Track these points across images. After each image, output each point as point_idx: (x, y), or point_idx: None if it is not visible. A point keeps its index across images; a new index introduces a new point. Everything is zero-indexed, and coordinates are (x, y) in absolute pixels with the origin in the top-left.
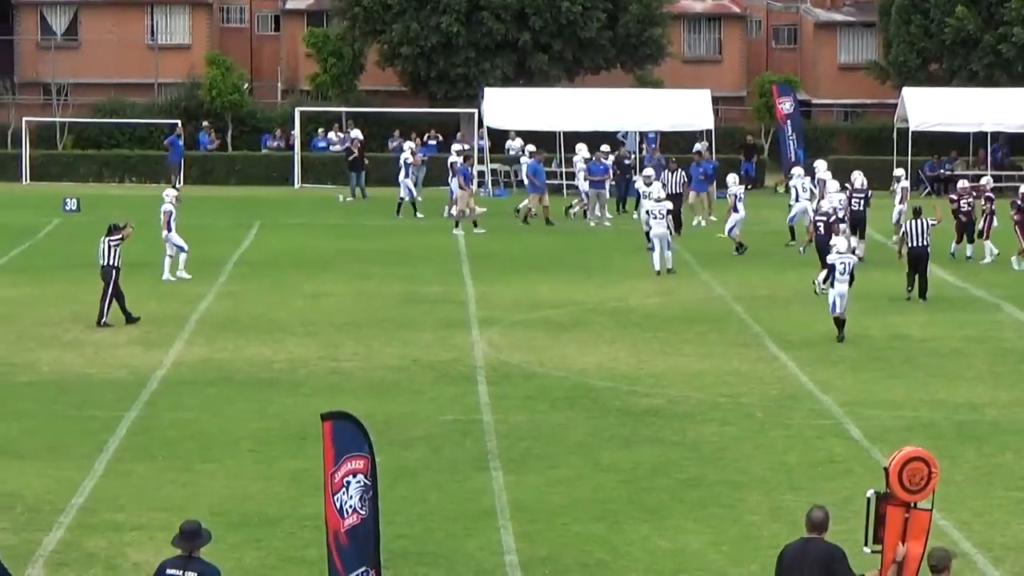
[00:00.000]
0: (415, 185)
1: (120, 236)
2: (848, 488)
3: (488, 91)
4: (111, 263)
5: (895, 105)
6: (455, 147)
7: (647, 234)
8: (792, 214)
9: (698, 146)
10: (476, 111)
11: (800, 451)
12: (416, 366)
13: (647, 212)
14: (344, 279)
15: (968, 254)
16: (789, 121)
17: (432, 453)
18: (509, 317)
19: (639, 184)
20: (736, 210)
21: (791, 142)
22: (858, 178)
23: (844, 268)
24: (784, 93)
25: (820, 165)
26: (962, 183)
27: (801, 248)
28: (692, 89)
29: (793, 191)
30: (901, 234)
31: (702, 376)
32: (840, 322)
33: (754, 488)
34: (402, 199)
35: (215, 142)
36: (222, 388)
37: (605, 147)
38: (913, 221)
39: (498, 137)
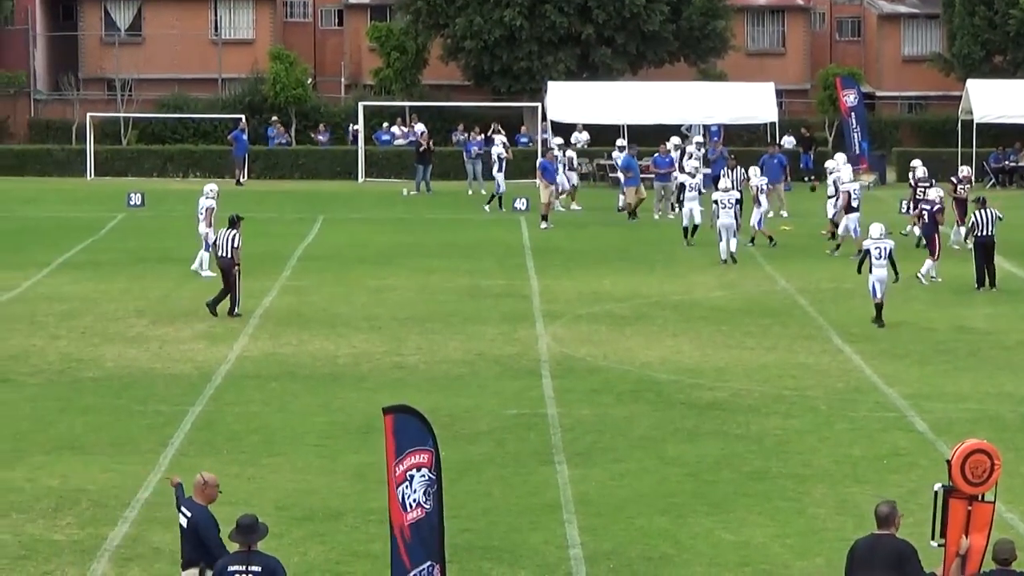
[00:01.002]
0: (474, 179)
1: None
2: (914, 481)
3: (551, 85)
4: (231, 255)
5: (959, 97)
6: (556, 140)
7: (686, 229)
8: (832, 212)
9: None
10: (540, 105)
11: (865, 444)
12: (480, 360)
13: (714, 203)
14: (407, 273)
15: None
16: (853, 114)
17: (496, 447)
18: (573, 311)
19: (683, 178)
20: (759, 203)
21: (855, 135)
22: (919, 168)
23: (880, 253)
24: (848, 86)
25: (839, 158)
26: (965, 170)
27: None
28: (756, 82)
29: (831, 186)
30: (970, 224)
31: (766, 369)
32: (879, 307)
33: (819, 481)
34: (496, 194)
35: (285, 136)
36: (286, 382)
37: (675, 139)
38: (980, 211)
39: (561, 131)
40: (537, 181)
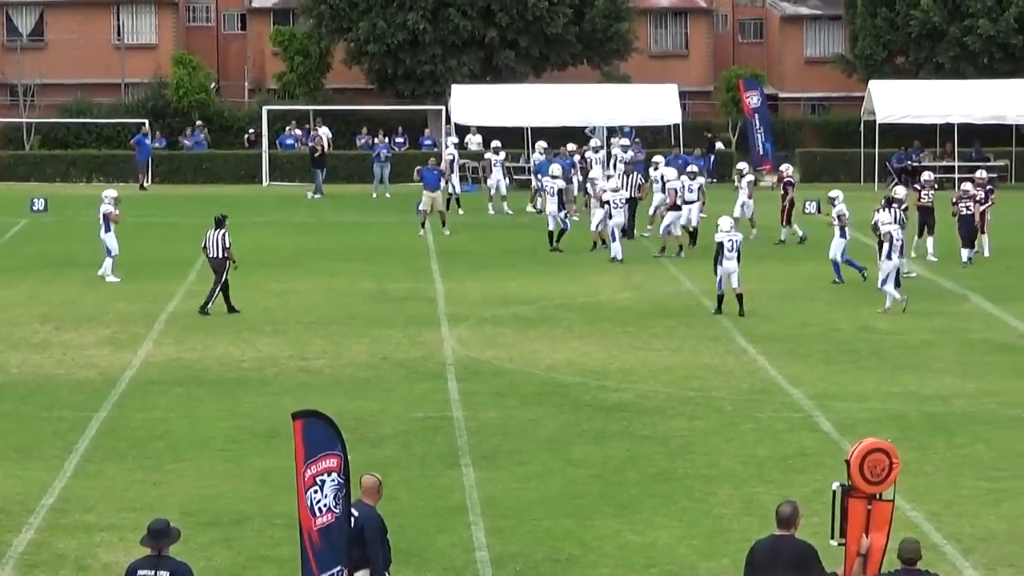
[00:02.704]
0: (381, 182)
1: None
2: (819, 481)
3: (455, 88)
4: (223, 255)
5: (862, 98)
6: (494, 144)
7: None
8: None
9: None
10: (443, 108)
11: (770, 444)
12: (386, 364)
13: (605, 203)
14: (312, 276)
15: (930, 249)
16: (756, 115)
17: (402, 450)
18: (478, 313)
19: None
20: (677, 208)
21: (759, 136)
22: (899, 191)
23: (732, 246)
24: (751, 87)
25: (659, 160)
26: (926, 175)
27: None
28: (659, 84)
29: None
30: (874, 222)
31: (672, 370)
32: (739, 297)
33: (725, 482)
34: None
35: (206, 140)
36: (191, 388)
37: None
38: (885, 209)
39: (466, 134)
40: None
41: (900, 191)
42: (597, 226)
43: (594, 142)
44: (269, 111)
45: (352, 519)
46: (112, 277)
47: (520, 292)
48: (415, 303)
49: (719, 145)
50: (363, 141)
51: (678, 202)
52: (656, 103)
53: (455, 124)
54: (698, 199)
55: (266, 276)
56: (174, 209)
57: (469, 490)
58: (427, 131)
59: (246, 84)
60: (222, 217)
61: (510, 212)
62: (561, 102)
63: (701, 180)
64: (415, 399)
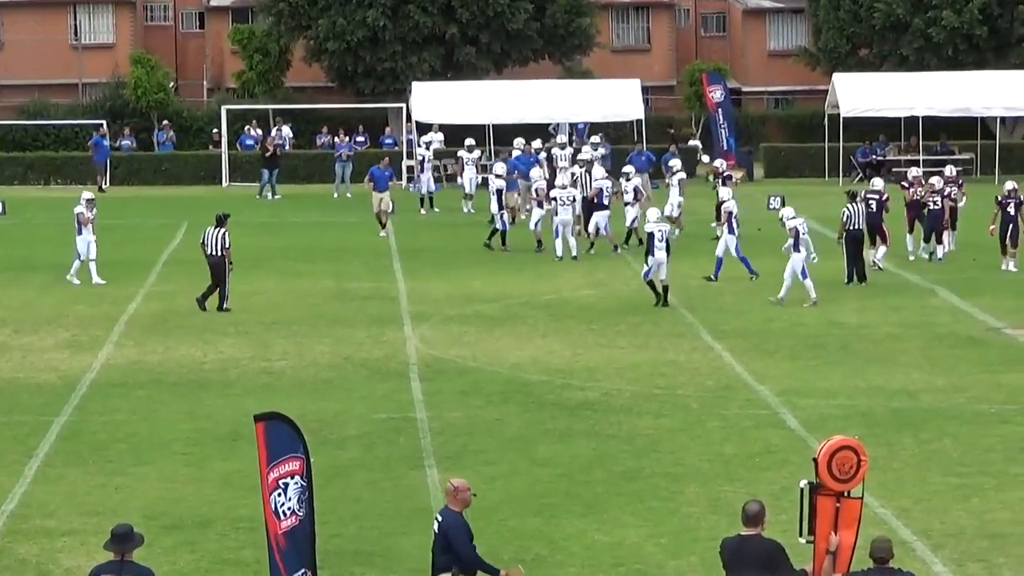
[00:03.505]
0: (342, 181)
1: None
2: (786, 478)
3: (416, 85)
4: (221, 254)
5: (826, 91)
6: (468, 142)
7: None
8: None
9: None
10: (404, 106)
11: (737, 442)
12: (348, 364)
13: (552, 200)
14: (273, 277)
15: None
16: (720, 109)
17: (366, 452)
18: (441, 312)
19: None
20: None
21: (723, 131)
22: (877, 182)
23: (662, 236)
24: (714, 81)
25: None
26: (914, 171)
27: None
28: (622, 79)
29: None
30: (844, 218)
31: (637, 368)
32: (664, 288)
33: (691, 480)
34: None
35: (172, 141)
36: (152, 390)
37: (519, 142)
38: (851, 205)
39: (428, 131)
40: (406, 184)
41: (878, 182)
42: (535, 225)
43: (560, 139)
44: (228, 110)
45: (436, 524)
46: (75, 280)
47: (484, 290)
48: (378, 302)
49: (693, 142)
50: (323, 140)
51: (603, 200)
52: (619, 98)
53: (416, 122)
54: (635, 201)
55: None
56: (134, 211)
57: (434, 491)
58: (388, 129)
59: (205, 83)
60: (223, 216)
61: (471, 211)
62: (523, 98)
63: (637, 180)
64: (378, 400)
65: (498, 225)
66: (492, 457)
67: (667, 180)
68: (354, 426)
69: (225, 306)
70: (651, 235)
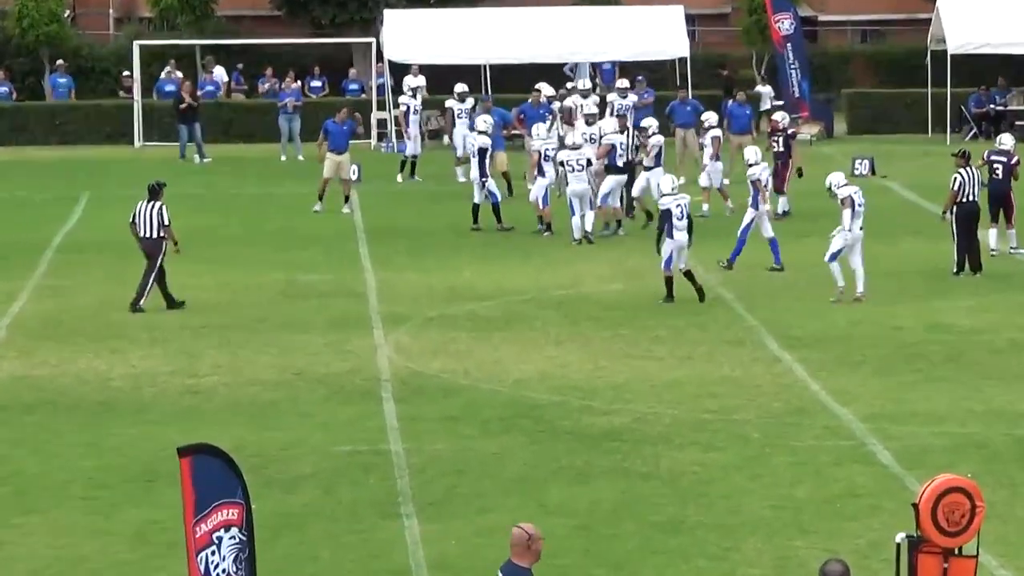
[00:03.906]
0: (290, 139)
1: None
2: (876, 530)
3: (388, 13)
4: (159, 235)
5: (929, 21)
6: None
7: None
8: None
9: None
10: (373, 41)
11: (812, 483)
12: (300, 380)
13: (561, 164)
14: (203, 267)
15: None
16: (789, 45)
17: (324, 496)
18: (422, 312)
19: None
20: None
21: (793, 73)
22: (1005, 139)
23: (682, 212)
24: (782, 8)
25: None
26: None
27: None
28: (660, 6)
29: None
30: (955, 186)
31: (680, 386)
32: (689, 275)
33: (751, 533)
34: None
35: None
36: (43, 415)
37: (547, 88)
38: (964, 170)
39: (403, 74)
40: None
41: (1007, 139)
42: (538, 198)
43: (580, 83)
44: (142, 47)
45: None
46: None
47: (478, 284)
48: (339, 300)
49: (762, 87)
50: (267, 86)
51: (619, 162)
52: (656, 31)
53: (388, 62)
54: (656, 165)
55: (142, 267)
56: (18, 180)
57: (413, 548)
58: (352, 71)
59: (111, 12)
60: (157, 185)
61: (466, 179)
62: (530, 31)
63: (660, 138)
64: (340, 427)
65: (477, 198)
66: (489, 503)
67: (700, 139)
68: (309, 462)
69: (140, 304)
70: (667, 212)
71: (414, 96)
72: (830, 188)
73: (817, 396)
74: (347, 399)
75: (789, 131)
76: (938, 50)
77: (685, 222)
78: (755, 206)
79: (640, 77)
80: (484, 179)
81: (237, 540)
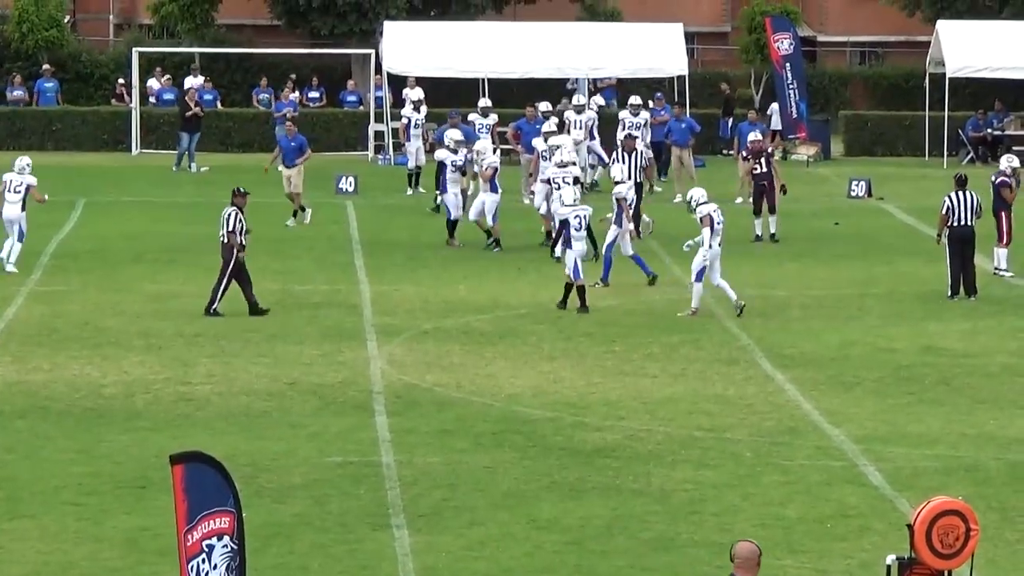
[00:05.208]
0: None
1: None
2: (866, 551)
3: (388, 26)
4: (230, 240)
5: (927, 44)
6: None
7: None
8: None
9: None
10: (372, 52)
11: (803, 502)
12: (293, 391)
13: (548, 182)
14: (197, 275)
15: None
16: (788, 65)
17: (315, 506)
18: (417, 325)
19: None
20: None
21: (791, 93)
22: (1010, 161)
23: (580, 223)
24: (781, 28)
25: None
26: (1008, 160)
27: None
28: (659, 23)
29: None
30: (945, 210)
31: (672, 403)
32: (581, 289)
33: None
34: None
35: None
36: (35, 421)
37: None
38: (958, 193)
39: (401, 86)
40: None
41: (1012, 161)
42: (486, 214)
43: (576, 99)
44: (141, 54)
45: None
46: (12, 267)
47: (472, 297)
48: (333, 311)
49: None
50: (263, 96)
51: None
52: (655, 48)
53: (387, 74)
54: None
55: (137, 274)
56: None
57: (402, 560)
58: (350, 83)
59: (111, 18)
60: (239, 191)
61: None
62: (529, 46)
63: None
64: (332, 438)
65: (437, 203)
66: (480, 517)
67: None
68: (300, 472)
69: (213, 309)
70: (565, 223)
71: (417, 110)
72: (690, 203)
73: (809, 416)
74: (340, 410)
75: (768, 149)
76: (936, 73)
77: (583, 232)
78: (618, 223)
79: (659, 94)
80: (442, 192)
81: (228, 549)
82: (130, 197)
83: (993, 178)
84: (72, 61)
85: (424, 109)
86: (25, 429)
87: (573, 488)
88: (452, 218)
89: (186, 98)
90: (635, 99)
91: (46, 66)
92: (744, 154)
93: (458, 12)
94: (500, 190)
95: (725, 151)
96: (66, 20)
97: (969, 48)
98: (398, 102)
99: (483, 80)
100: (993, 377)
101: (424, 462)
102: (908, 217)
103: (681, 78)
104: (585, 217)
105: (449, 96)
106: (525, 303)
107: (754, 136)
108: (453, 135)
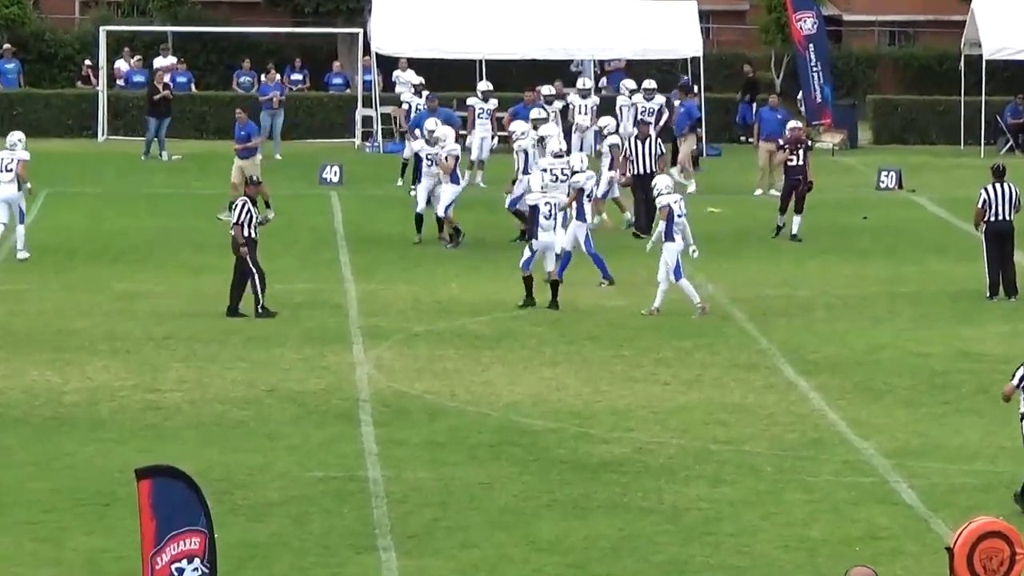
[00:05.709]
0: (270, 136)
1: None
2: None
3: (377, 3)
4: (246, 234)
5: (962, 23)
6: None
7: (518, 214)
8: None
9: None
10: (360, 32)
11: (828, 522)
12: (271, 399)
13: (543, 171)
14: (168, 273)
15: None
16: (812, 46)
17: (294, 526)
18: (407, 328)
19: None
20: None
21: (815, 76)
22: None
23: (550, 211)
24: (803, 6)
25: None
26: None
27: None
28: (672, 1)
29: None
30: (981, 203)
31: (686, 413)
32: (555, 285)
33: (762, 575)
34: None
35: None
36: None
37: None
38: (996, 185)
39: (392, 67)
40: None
41: None
42: (445, 209)
43: (580, 82)
44: (109, 33)
45: None
46: (24, 253)
47: (466, 297)
48: (316, 312)
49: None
50: (244, 79)
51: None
52: (667, 28)
53: (376, 55)
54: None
55: (103, 271)
56: None
57: None
58: (336, 64)
59: None
60: (252, 179)
61: (483, 184)
62: (530, 25)
63: (615, 138)
64: (313, 451)
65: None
66: (474, 537)
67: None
68: (278, 488)
69: (261, 306)
70: (534, 208)
71: (418, 94)
72: (655, 189)
73: (835, 427)
74: (322, 420)
75: (808, 142)
76: (972, 55)
77: (552, 223)
78: (580, 218)
79: (685, 79)
80: (416, 184)
81: (199, 573)
82: (96, 187)
83: None
84: (35, 40)
85: (425, 93)
86: None
87: (577, 506)
88: (419, 211)
89: (154, 80)
90: (649, 83)
91: (7, 45)
92: (780, 142)
93: None
94: (462, 181)
95: (744, 138)
96: None
97: (1008, 28)
98: (388, 85)
99: (479, 62)
100: None
101: (414, 477)
102: (941, 210)
103: (696, 59)
104: (556, 205)
105: (440, 78)
106: None
107: (793, 124)
108: (429, 125)
